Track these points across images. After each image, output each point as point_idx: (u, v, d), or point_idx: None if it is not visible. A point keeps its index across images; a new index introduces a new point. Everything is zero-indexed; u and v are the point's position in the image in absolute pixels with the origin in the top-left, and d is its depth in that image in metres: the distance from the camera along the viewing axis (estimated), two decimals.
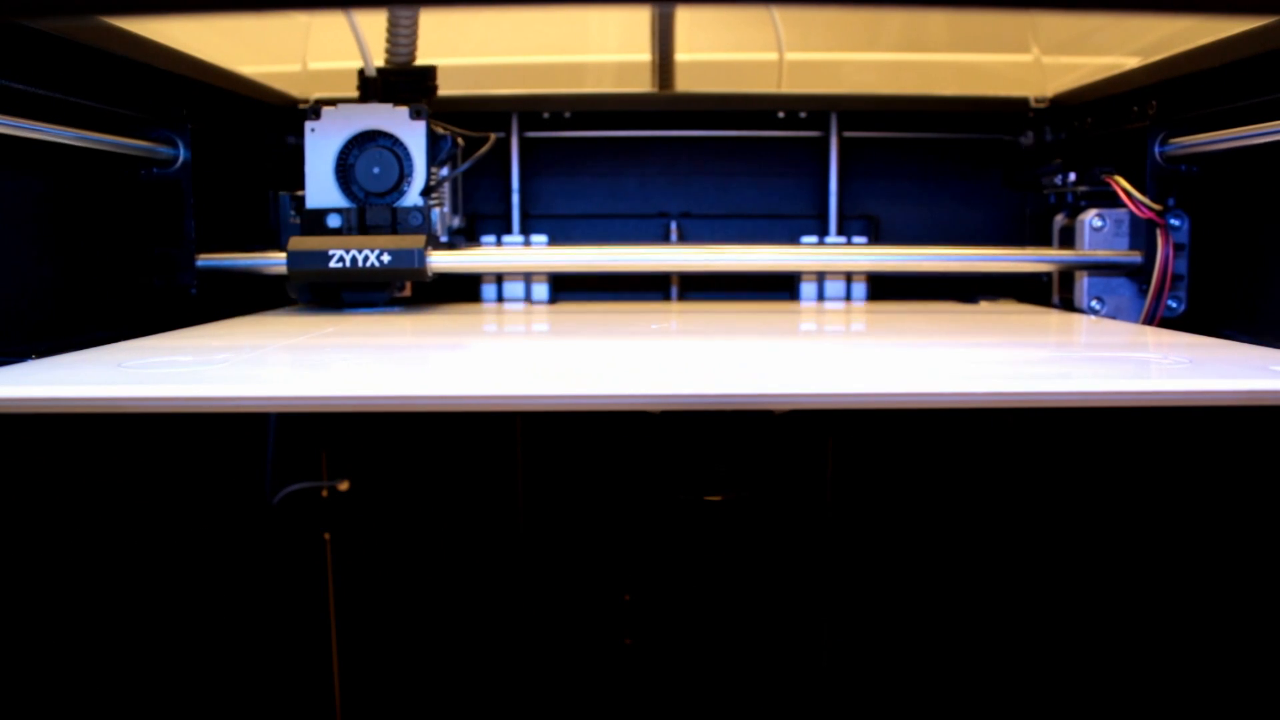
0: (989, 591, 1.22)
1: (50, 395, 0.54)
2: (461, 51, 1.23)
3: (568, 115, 1.17)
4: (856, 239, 1.15)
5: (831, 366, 0.63)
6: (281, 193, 0.98)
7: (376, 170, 0.95)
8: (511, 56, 1.28)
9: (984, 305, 1.08)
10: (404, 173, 0.95)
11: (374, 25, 0.98)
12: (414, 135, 0.95)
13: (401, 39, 0.97)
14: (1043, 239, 1.10)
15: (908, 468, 1.23)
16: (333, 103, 0.96)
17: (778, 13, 1.23)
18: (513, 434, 1.24)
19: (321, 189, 0.96)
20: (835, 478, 1.24)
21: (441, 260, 0.92)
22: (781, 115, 1.17)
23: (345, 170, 0.96)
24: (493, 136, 1.07)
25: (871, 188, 1.20)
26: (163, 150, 0.87)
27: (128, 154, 0.83)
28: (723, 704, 1.28)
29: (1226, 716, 0.83)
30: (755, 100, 1.18)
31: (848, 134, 1.17)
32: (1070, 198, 1.03)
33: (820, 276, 1.10)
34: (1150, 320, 0.89)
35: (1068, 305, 1.00)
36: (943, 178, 1.20)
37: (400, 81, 0.98)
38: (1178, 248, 0.89)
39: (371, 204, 0.95)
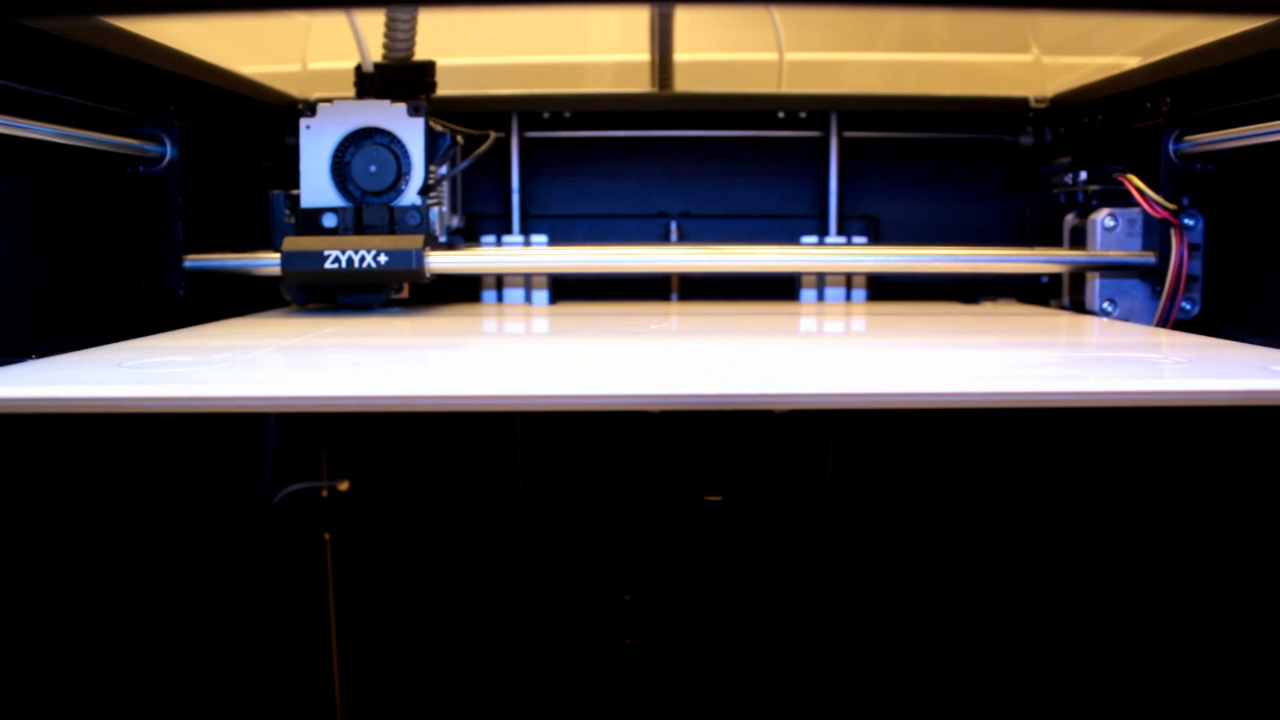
0: (990, 592, 1.22)
1: (50, 395, 0.54)
2: (461, 51, 1.23)
3: (568, 115, 1.17)
4: (856, 239, 1.15)
5: (832, 367, 0.63)
6: (275, 192, 0.96)
7: (373, 168, 0.93)
8: (511, 56, 1.28)
9: (986, 306, 1.08)
10: (401, 171, 0.93)
11: (373, 22, 0.97)
12: (412, 132, 0.93)
13: (400, 35, 0.96)
14: (1048, 239, 1.10)
15: (908, 468, 1.23)
16: (329, 100, 0.95)
17: (778, 13, 1.23)
18: (513, 434, 1.24)
19: (317, 188, 0.94)
20: (835, 478, 1.24)
21: (440, 261, 0.91)
22: (781, 115, 1.17)
23: (341, 168, 0.94)
24: (492, 134, 1.06)
25: (871, 188, 1.20)
26: (149, 148, 0.85)
27: (114, 152, 0.82)
28: (723, 704, 1.28)
29: (1227, 716, 0.83)
30: (755, 100, 1.18)
31: (848, 134, 1.17)
32: (1081, 197, 1.01)
33: (820, 278, 1.09)
34: (1164, 322, 0.87)
35: (1079, 307, 0.99)
36: (943, 178, 1.20)
37: (398, 77, 0.96)
38: (1192, 248, 0.87)
39: (368, 203, 0.93)
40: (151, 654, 0.85)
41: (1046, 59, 1.22)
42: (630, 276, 1.16)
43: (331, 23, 1.17)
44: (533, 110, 1.17)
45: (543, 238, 1.12)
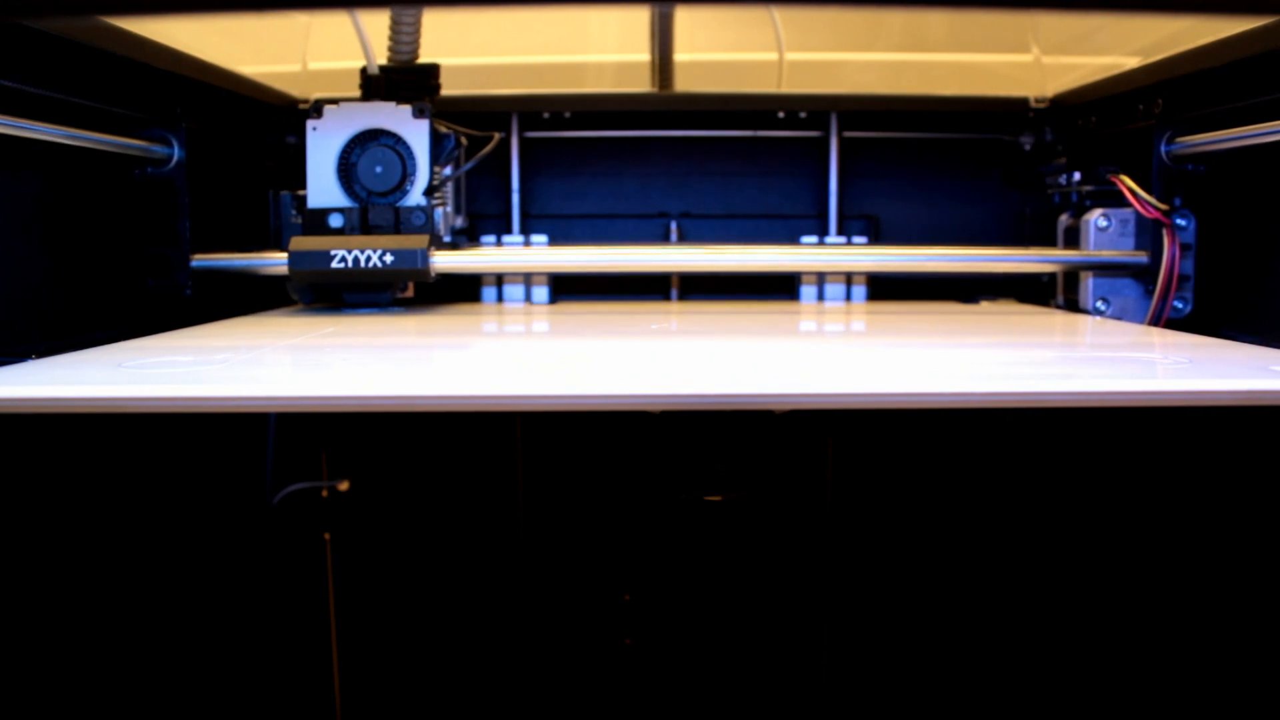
0: (990, 591, 1.22)
1: (50, 395, 0.54)
2: (462, 52, 1.23)
3: (568, 115, 1.17)
4: (856, 239, 1.15)
5: (831, 367, 0.63)
6: (283, 192, 0.97)
7: (379, 169, 0.94)
8: (512, 56, 1.28)
9: (985, 306, 1.08)
10: (407, 172, 0.94)
11: (377, 24, 0.98)
12: (417, 134, 0.94)
13: (404, 37, 0.96)
14: (1045, 239, 1.10)
15: (908, 468, 1.23)
16: (334, 102, 0.96)
17: (778, 13, 1.23)
18: (513, 434, 1.24)
19: (323, 188, 0.94)
20: (835, 478, 1.24)
21: (445, 260, 0.91)
22: (781, 115, 1.17)
23: (347, 169, 0.95)
24: (497, 135, 1.06)
25: (871, 188, 1.20)
26: (157, 149, 0.86)
27: (122, 153, 0.83)
28: (723, 704, 1.28)
29: (1227, 716, 0.83)
30: (755, 100, 1.18)
31: (848, 134, 1.17)
32: (1075, 197, 1.02)
33: (820, 277, 1.09)
34: (1156, 321, 0.88)
35: (1072, 306, 1.00)
36: (943, 178, 1.20)
37: (403, 80, 0.97)
38: (1184, 248, 0.88)
39: (374, 204, 0.94)
40: (152, 654, 0.85)
41: (1046, 59, 1.21)
42: (630, 275, 1.16)
43: (331, 23, 1.17)
44: (533, 110, 1.17)
45: (543, 238, 1.12)
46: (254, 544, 1.05)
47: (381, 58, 0.98)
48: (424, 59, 1.00)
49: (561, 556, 1.26)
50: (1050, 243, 1.07)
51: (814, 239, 1.13)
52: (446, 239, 1.02)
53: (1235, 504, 0.82)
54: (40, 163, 0.73)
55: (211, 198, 0.93)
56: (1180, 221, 0.88)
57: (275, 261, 0.91)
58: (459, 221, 1.09)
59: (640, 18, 1.23)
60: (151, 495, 0.86)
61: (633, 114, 1.18)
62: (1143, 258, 0.92)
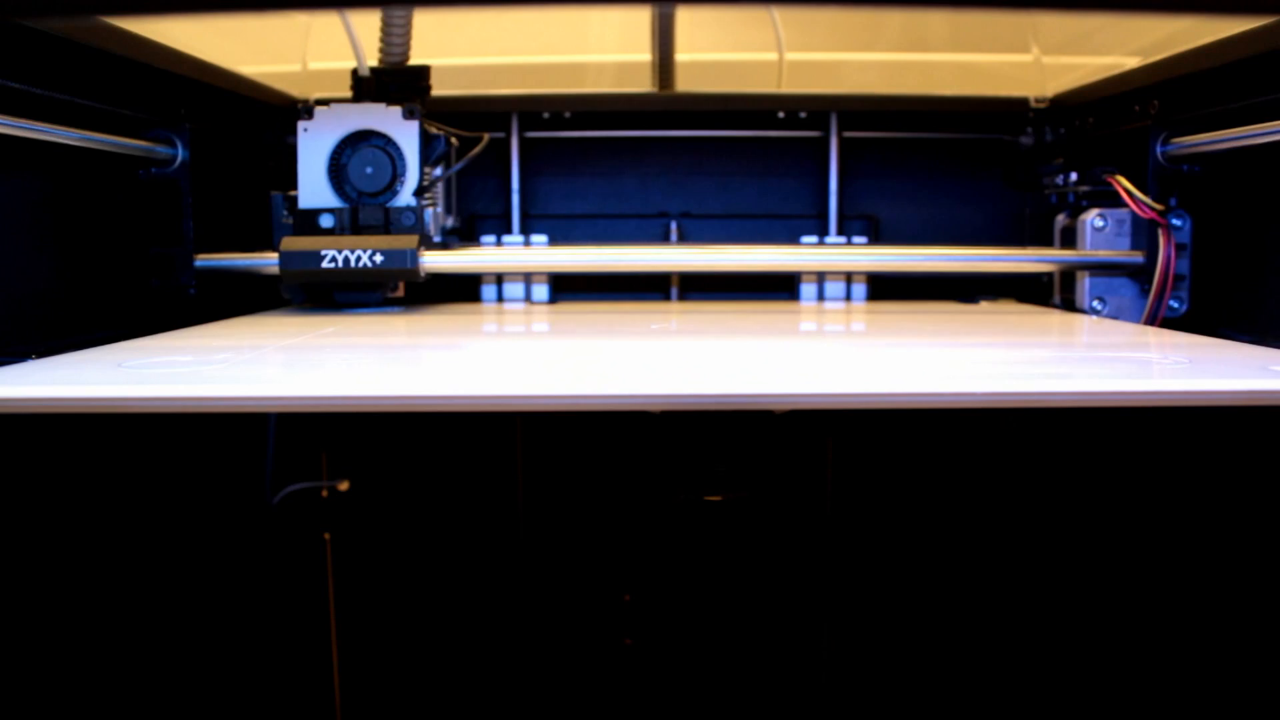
0: (990, 591, 1.22)
1: (50, 395, 0.54)
2: (461, 51, 1.23)
3: (568, 115, 1.17)
4: (856, 239, 1.15)
5: (831, 367, 0.63)
6: (275, 192, 0.98)
7: (369, 170, 0.95)
8: (511, 56, 1.28)
9: (984, 305, 1.08)
10: (396, 173, 0.95)
11: (369, 25, 0.98)
12: (407, 135, 0.95)
13: (395, 39, 0.97)
14: (1044, 239, 1.10)
15: (908, 468, 1.23)
16: (325, 103, 0.96)
17: (778, 13, 1.23)
18: (513, 434, 1.24)
19: (314, 189, 0.95)
20: (835, 478, 1.24)
21: (434, 260, 0.92)
22: (781, 115, 1.17)
23: (338, 170, 0.96)
24: (486, 136, 1.07)
25: (871, 188, 1.20)
26: (161, 150, 0.87)
27: (126, 154, 0.83)
28: (723, 704, 1.28)
29: (1226, 716, 0.83)
30: (755, 100, 1.18)
31: (848, 134, 1.17)
32: (1072, 197, 1.02)
33: (820, 277, 1.09)
34: (1152, 320, 0.89)
35: (1069, 306, 1.00)
36: (943, 178, 1.20)
37: (394, 81, 0.98)
38: (1179, 248, 0.88)
39: (364, 204, 0.95)
40: (152, 653, 0.85)
41: (1046, 59, 1.21)
42: (630, 275, 1.16)
43: (331, 23, 1.17)
44: (533, 110, 1.17)
45: (543, 238, 1.12)
46: (254, 544, 1.05)
47: (374, 58, 0.99)
48: (423, 58, 1.00)
49: (561, 557, 1.26)
50: (1048, 242, 1.07)
51: (814, 239, 1.13)
52: (437, 239, 1.02)
53: (1235, 503, 0.82)
54: (44, 163, 0.73)
55: (216, 198, 0.94)
56: (1176, 221, 0.89)
57: (274, 261, 0.92)
58: (450, 221, 1.09)
59: (641, 18, 1.23)
60: (152, 495, 0.86)
61: (633, 114, 1.18)
62: (1138, 258, 0.92)
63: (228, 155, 0.98)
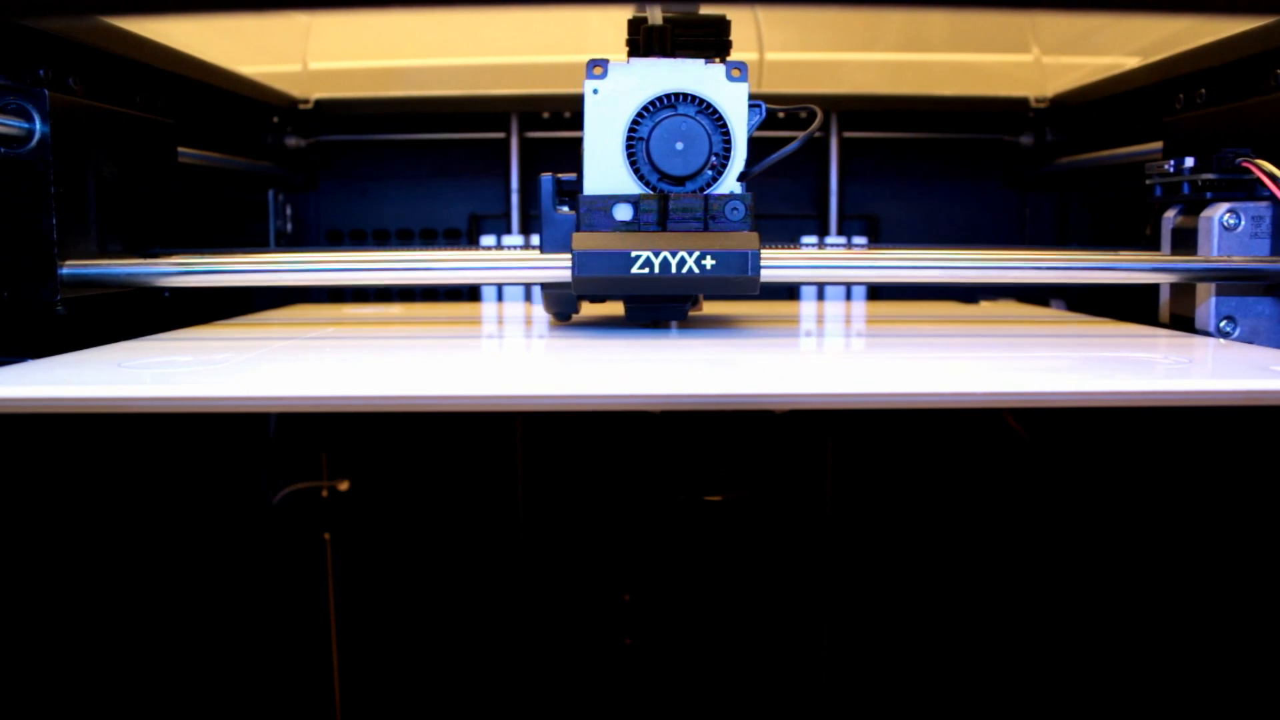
0: (990, 592, 1.22)
1: (50, 395, 0.54)
2: (462, 51, 1.23)
3: (568, 115, 1.17)
4: (856, 239, 1.15)
5: (831, 367, 0.63)
6: (544, 175, 0.75)
7: (679, 145, 0.72)
8: (511, 56, 1.28)
9: (985, 306, 1.08)
10: (715, 150, 0.73)
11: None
12: (734, 101, 0.73)
13: None
14: (1047, 239, 1.09)
15: (908, 468, 1.23)
16: (622, 58, 0.74)
17: (761, 12, 1.22)
18: (513, 434, 1.24)
19: (605, 169, 0.72)
20: (835, 478, 1.24)
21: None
22: (781, 115, 1.17)
23: (636, 145, 0.73)
24: (820, 111, 0.84)
25: (871, 188, 1.20)
26: (12, 123, 0.65)
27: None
28: (723, 704, 1.28)
29: (1227, 716, 0.83)
30: (754, 99, 1.17)
31: (847, 134, 1.17)
32: (1186, 189, 0.77)
33: None
34: None
35: (1181, 325, 0.79)
36: (943, 178, 1.20)
37: (692, 36, 0.74)
38: None
39: (673, 190, 0.72)
40: (151, 654, 0.85)
41: (1046, 59, 1.21)
42: None
43: (331, 23, 1.17)
44: (533, 110, 1.17)
45: None
46: (254, 544, 1.05)
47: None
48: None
49: (561, 557, 1.26)
50: (1048, 243, 1.07)
51: (814, 239, 1.13)
52: None
53: (1235, 504, 0.82)
54: None
55: (208, 198, 0.93)
56: None
57: (273, 268, 0.73)
58: None
59: None
60: (151, 495, 0.86)
61: None
62: None
63: (219, 154, 0.96)
